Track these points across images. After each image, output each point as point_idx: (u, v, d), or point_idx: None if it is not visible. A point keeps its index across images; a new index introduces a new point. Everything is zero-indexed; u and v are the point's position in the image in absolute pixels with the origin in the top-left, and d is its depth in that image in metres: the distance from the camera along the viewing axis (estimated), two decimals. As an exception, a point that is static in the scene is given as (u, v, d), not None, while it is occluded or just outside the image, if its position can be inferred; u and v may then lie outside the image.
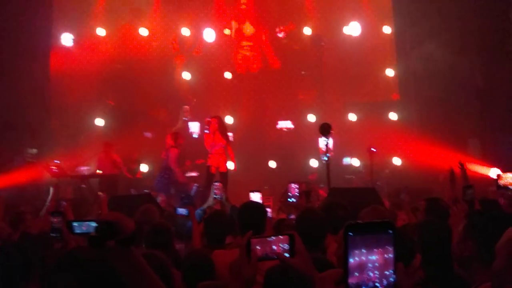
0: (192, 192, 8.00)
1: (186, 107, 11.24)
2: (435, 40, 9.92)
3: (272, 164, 11.89)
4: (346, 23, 12.12)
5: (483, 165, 8.46)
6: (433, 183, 8.82)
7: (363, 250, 1.02)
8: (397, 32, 11.64)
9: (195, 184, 8.12)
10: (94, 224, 1.31)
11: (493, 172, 7.82)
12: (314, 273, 1.62)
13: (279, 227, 3.64)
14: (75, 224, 1.96)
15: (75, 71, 11.35)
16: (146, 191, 9.77)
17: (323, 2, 12.14)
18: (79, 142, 10.66)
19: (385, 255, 1.03)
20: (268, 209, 4.31)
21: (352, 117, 11.97)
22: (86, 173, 9.72)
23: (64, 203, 4.95)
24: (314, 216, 2.78)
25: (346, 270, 1.02)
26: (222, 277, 2.54)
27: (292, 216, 4.29)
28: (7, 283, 2.21)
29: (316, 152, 10.62)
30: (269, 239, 1.56)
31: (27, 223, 4.41)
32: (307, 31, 12.25)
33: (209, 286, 2.17)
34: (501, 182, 3.54)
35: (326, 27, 12.19)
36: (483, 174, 8.12)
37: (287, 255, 1.54)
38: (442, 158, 9.34)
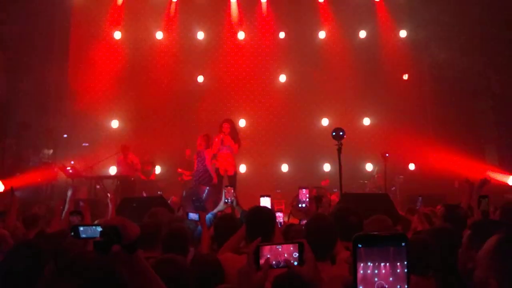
0: (204, 195, 7.99)
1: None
2: (451, 45, 9.80)
3: (285, 168, 11.85)
4: (362, 28, 12.05)
5: (500, 172, 8.29)
6: (448, 189, 8.68)
7: (374, 263, 0.99)
8: (412, 36, 11.52)
9: (207, 187, 8.11)
10: (99, 228, 1.29)
11: (511, 180, 7.67)
12: (322, 283, 1.59)
13: (288, 233, 3.61)
14: (81, 228, 1.98)
15: (92, 73, 11.53)
16: (159, 193, 9.86)
17: (338, 7, 12.07)
18: (95, 143, 10.77)
19: (397, 269, 0.99)
20: (280, 213, 4.28)
21: (366, 121, 11.87)
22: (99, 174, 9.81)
23: (81, 203, 5.00)
24: (324, 222, 2.74)
25: (355, 282, 0.99)
26: (232, 282, 2.52)
27: (304, 222, 4.25)
28: (14, 284, 2.24)
29: (329, 156, 10.57)
30: (277, 246, 1.53)
31: (41, 223, 4.47)
32: (322, 35, 12.21)
33: None
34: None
35: (341, 31, 12.11)
36: (500, 181, 7.96)
37: (295, 263, 1.52)
38: (458, 164, 9.20)
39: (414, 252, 2.44)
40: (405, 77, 11.67)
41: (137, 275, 1.26)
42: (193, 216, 3.80)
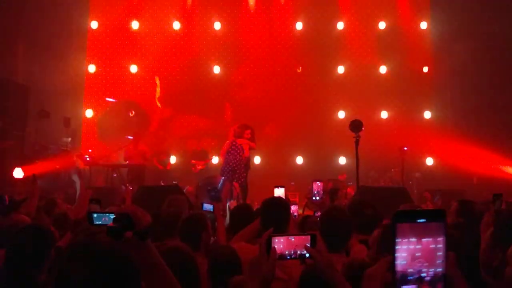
0: (219, 185, 8.01)
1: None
2: (474, 37, 9.54)
3: (299, 160, 11.80)
4: (381, 19, 11.84)
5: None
6: (467, 185, 8.53)
7: (412, 239, 1.00)
8: (434, 29, 11.27)
9: (222, 177, 8.08)
10: (112, 216, 1.34)
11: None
12: (335, 274, 1.58)
13: (305, 224, 3.59)
14: (94, 215, 2.03)
15: (110, 64, 11.65)
16: (174, 182, 9.93)
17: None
18: (112, 132, 10.89)
19: (435, 245, 1.00)
20: (294, 206, 4.26)
21: (384, 114, 11.70)
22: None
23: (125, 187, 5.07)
24: (339, 214, 2.70)
25: (393, 258, 1.00)
26: (245, 272, 2.52)
27: (318, 214, 4.22)
28: (19, 267, 2.28)
29: (344, 149, 10.48)
30: (290, 237, 1.53)
31: (59, 209, 4.54)
32: (340, 25, 12.04)
33: (241, 281, 2.15)
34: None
35: (360, 22, 11.92)
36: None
37: (307, 255, 1.51)
38: (477, 160, 9.01)
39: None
40: (425, 69, 11.45)
41: (147, 261, 1.30)
42: (207, 206, 3.79)
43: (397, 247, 0.99)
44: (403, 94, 11.34)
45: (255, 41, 12.11)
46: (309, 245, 1.52)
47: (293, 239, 1.52)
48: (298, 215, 4.45)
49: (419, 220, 1.00)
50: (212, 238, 3.39)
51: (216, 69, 12.01)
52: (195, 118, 11.97)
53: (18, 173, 7.95)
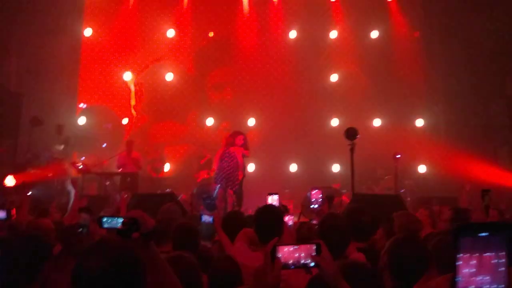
0: (215, 193, 7.98)
1: None
2: (465, 45, 9.69)
3: (293, 167, 11.82)
4: (374, 27, 11.97)
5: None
6: (460, 192, 8.59)
7: (473, 253, 0.97)
8: (425, 37, 11.41)
9: (218, 185, 8.04)
10: (121, 220, 1.59)
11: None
12: (341, 282, 1.58)
13: (300, 229, 3.59)
14: (104, 219, 2.14)
15: (103, 71, 11.63)
16: (168, 190, 9.88)
17: (350, 6, 11.99)
18: (105, 140, 10.83)
19: (497, 260, 0.98)
20: (290, 216, 4.24)
21: (377, 122, 11.78)
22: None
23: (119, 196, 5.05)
24: (337, 222, 2.71)
25: (455, 273, 0.98)
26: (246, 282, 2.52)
27: (314, 221, 4.22)
28: (10, 278, 2.25)
29: (338, 157, 10.51)
30: (294, 247, 1.53)
31: (52, 218, 4.50)
32: (334, 34, 12.16)
33: None
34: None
35: (353, 31, 12.04)
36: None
37: (312, 264, 1.51)
38: (469, 167, 9.09)
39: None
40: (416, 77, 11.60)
41: (151, 259, 1.51)
42: (206, 218, 3.74)
43: (458, 262, 0.97)
44: (396, 103, 11.43)
45: (248, 47, 12.18)
46: (314, 254, 1.53)
47: (297, 248, 1.52)
48: (294, 223, 4.43)
49: (481, 234, 0.98)
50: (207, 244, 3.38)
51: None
52: (187, 125, 11.99)
53: (9, 181, 7.86)
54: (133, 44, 11.82)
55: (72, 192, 4.83)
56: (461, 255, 0.97)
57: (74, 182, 5.11)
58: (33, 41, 9.54)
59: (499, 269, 0.98)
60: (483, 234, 0.98)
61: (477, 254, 0.97)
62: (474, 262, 0.97)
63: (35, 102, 9.40)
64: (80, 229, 3.11)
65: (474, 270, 0.97)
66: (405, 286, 2.06)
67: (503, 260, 0.98)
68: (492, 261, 0.98)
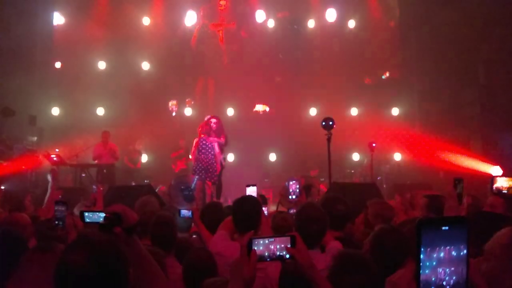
0: (193, 184, 7.93)
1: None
2: (437, 34, 9.86)
3: (272, 157, 11.87)
4: (351, 17, 12.05)
5: (485, 162, 8.43)
6: (434, 179, 8.81)
7: (435, 246, 1.01)
8: (401, 27, 11.55)
9: (196, 176, 7.94)
10: (103, 214, 1.53)
11: (495, 170, 7.80)
12: (316, 273, 1.61)
13: (274, 218, 3.62)
14: (86, 213, 2.15)
15: (78, 60, 11.36)
16: (146, 181, 9.78)
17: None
18: (80, 131, 10.60)
19: (458, 252, 1.01)
20: (265, 207, 4.26)
21: (354, 111, 11.93)
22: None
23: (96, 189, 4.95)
24: (314, 211, 2.73)
25: (418, 266, 1.00)
26: (221, 273, 2.54)
27: (292, 211, 4.26)
28: None
29: (317, 146, 10.61)
30: (270, 239, 1.55)
31: (27, 211, 4.40)
32: (311, 23, 12.18)
33: (214, 283, 2.16)
34: (495, 185, 3.54)
35: (330, 20, 12.07)
36: (484, 172, 8.10)
37: (287, 256, 1.53)
38: (443, 155, 9.33)
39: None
40: (385, 76, 11.82)
41: (134, 252, 1.49)
42: (185, 213, 3.72)
43: (421, 255, 1.00)
44: (371, 92, 11.59)
45: (228, 36, 12.11)
46: (290, 246, 1.55)
47: (273, 241, 1.54)
48: (269, 213, 4.44)
49: (443, 228, 1.01)
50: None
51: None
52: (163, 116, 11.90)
53: (-19, 174, 7.63)
54: (107, 32, 11.58)
55: (50, 183, 4.73)
56: (424, 248, 1.00)
57: (54, 173, 5.00)
58: (3, 28, 9.18)
59: (460, 261, 1.01)
60: (445, 227, 1.01)
61: (439, 247, 1.00)
62: (435, 255, 1.00)
63: (7, 92, 9.09)
64: (56, 223, 3.06)
65: (436, 262, 1.00)
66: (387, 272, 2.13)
67: (464, 252, 1.01)
68: (453, 254, 1.01)
